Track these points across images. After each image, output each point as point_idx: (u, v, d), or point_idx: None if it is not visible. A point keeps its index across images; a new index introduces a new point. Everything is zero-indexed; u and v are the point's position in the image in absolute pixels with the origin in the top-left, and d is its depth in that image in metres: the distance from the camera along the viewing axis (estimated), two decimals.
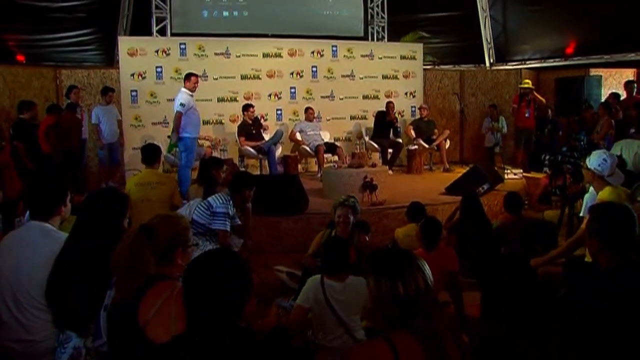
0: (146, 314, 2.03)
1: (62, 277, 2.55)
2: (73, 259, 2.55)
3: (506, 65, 12.51)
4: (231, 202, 4.35)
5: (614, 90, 9.89)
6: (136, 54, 9.00)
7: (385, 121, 9.79)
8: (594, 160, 3.62)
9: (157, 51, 9.12)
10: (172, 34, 9.91)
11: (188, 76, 7.21)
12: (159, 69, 9.11)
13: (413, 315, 1.67)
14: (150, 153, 5.28)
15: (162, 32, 9.96)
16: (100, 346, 2.27)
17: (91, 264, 2.47)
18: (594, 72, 10.70)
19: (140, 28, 10.31)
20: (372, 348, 1.71)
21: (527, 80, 10.14)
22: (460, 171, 8.81)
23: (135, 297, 2.05)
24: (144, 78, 9.02)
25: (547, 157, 8.11)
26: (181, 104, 6.93)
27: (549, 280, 3.42)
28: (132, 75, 8.96)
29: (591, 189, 3.85)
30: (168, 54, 9.17)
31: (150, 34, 9.90)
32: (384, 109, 9.92)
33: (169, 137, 8.20)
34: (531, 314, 1.90)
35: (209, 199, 4.36)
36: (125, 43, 9.13)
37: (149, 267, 2.12)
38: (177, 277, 2.27)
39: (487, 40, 12.64)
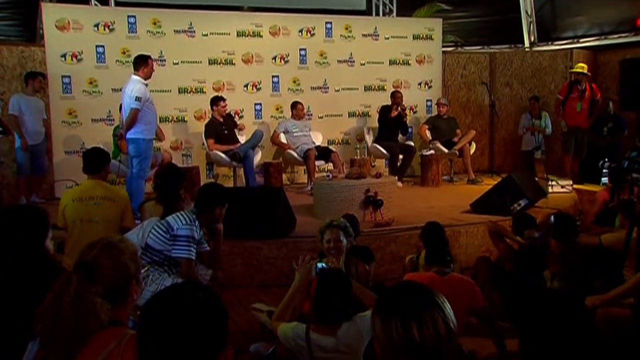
0: None
1: None
2: None
3: (552, 44, 12.60)
4: (197, 222, 4.32)
5: None
6: (68, 28, 8.98)
7: (391, 117, 9.85)
8: None
9: (96, 25, 9.11)
10: (117, 4, 9.95)
11: (141, 59, 7.20)
12: (100, 49, 9.11)
13: None
14: (93, 159, 5.25)
15: (103, 0, 9.94)
16: None
17: (5, 306, 2.41)
18: None
19: None
20: None
21: (581, 64, 10.18)
22: (489, 183, 8.86)
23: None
24: (79, 60, 9.03)
25: (607, 164, 8.15)
26: (137, 98, 6.94)
27: (612, 326, 3.42)
28: (64, 56, 8.95)
29: None
30: (112, 30, 9.18)
31: (87, 1, 9.86)
32: (389, 103, 9.99)
33: (114, 137, 8.19)
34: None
35: (168, 218, 4.32)
36: (51, 13, 9.06)
37: (101, 319, 2.08)
38: (127, 322, 2.24)
39: (527, 12, 12.70)
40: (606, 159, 8.46)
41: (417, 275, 4.24)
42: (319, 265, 3.71)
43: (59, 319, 2.04)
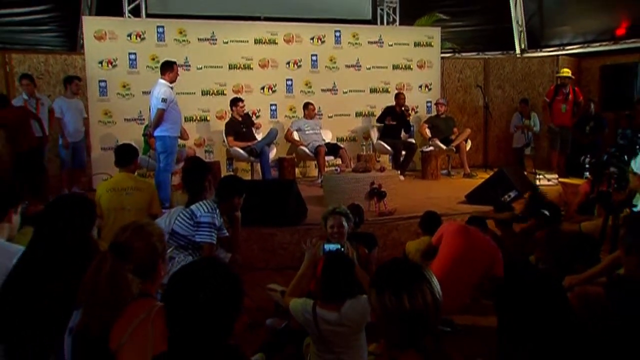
0: (119, 338, 2.07)
1: (14, 299, 2.49)
2: (29, 276, 2.52)
3: (540, 51, 12.57)
4: (218, 210, 4.37)
5: None
6: (105, 38, 9.07)
7: (393, 116, 9.85)
8: None
9: (129, 35, 9.19)
10: (148, 15, 9.97)
11: (167, 65, 7.24)
12: (132, 56, 9.19)
13: (420, 334, 1.72)
14: (125, 154, 5.32)
15: (135, 12, 10.00)
16: None
17: (53, 282, 2.47)
18: None
19: (109, 6, 10.27)
20: None
21: (566, 69, 10.18)
22: (483, 177, 8.84)
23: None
24: (114, 66, 9.10)
25: (589, 160, 8.14)
26: (163, 100, 6.97)
27: (586, 302, 3.46)
28: (100, 62, 9.03)
29: None
30: (143, 39, 9.24)
31: (121, 14, 9.92)
32: (393, 104, 10.03)
33: (144, 135, 8.29)
34: (557, 345, 1.94)
35: (192, 207, 4.38)
36: (91, 24, 9.18)
37: (132, 291, 2.17)
38: (155, 295, 2.33)
39: (517, 22, 12.70)
40: (588, 155, 8.45)
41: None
42: (326, 246, 3.70)
43: (98, 292, 2.13)
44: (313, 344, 3.19)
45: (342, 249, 3.62)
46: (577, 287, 3.56)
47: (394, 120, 9.84)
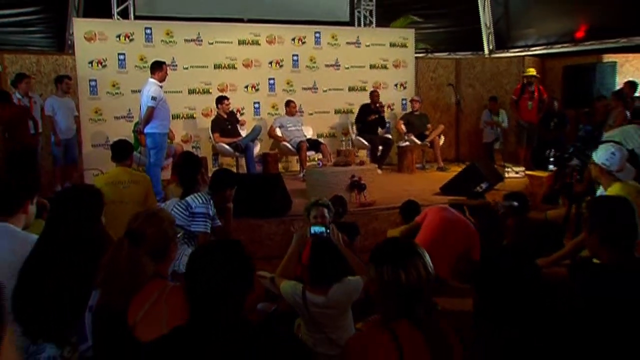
0: (135, 314, 2.19)
1: (34, 281, 2.55)
2: (48, 260, 2.59)
3: (507, 52, 12.76)
4: (212, 202, 4.47)
5: (630, 79, 9.93)
6: (95, 39, 9.03)
7: (370, 113, 9.94)
8: (601, 155, 3.82)
9: (118, 36, 9.17)
10: (136, 17, 9.94)
11: (157, 65, 7.30)
12: (121, 57, 9.17)
13: (414, 304, 1.87)
14: (121, 150, 5.36)
15: (124, 14, 9.98)
16: (85, 351, 2.41)
17: (72, 263, 2.57)
18: (607, 58, 10.81)
19: (96, 8, 10.27)
20: (373, 337, 1.90)
21: (531, 69, 10.37)
22: (456, 170, 8.97)
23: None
24: (104, 66, 9.07)
25: (553, 153, 8.34)
26: (153, 98, 7.03)
27: (552, 283, 3.63)
28: (91, 63, 8.99)
29: (601, 187, 4.04)
30: (132, 40, 9.23)
31: (109, 15, 9.89)
32: (369, 102, 10.13)
33: (134, 132, 8.32)
34: (530, 310, 2.03)
35: (187, 198, 4.46)
36: (81, 26, 9.14)
37: (147, 273, 2.28)
38: (168, 276, 2.45)
39: (486, 24, 12.90)
40: (552, 149, 8.67)
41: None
42: (313, 229, 3.74)
43: (116, 273, 2.25)
44: (304, 324, 3.30)
45: (328, 231, 3.68)
46: (545, 269, 3.73)
47: (375, 116, 9.95)
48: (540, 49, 12.23)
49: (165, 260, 2.42)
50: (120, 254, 2.27)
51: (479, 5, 12.81)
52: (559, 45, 11.85)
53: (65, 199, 2.83)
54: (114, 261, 2.26)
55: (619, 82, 10.13)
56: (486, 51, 13.02)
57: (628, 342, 2.18)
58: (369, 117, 9.90)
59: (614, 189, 3.69)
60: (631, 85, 9.51)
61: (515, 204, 5.52)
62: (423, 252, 1.94)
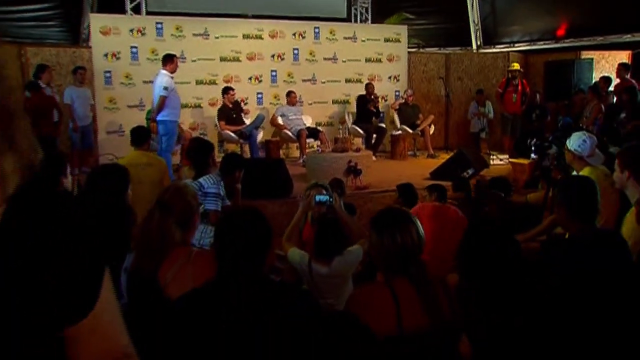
0: (165, 276, 2.39)
1: None
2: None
3: (494, 48, 12.88)
4: (222, 183, 4.62)
5: (605, 74, 10.13)
6: (109, 33, 9.12)
7: (366, 103, 10.04)
8: (574, 142, 4.02)
9: (132, 30, 9.25)
10: (148, 13, 10.07)
11: (169, 58, 7.44)
12: (134, 50, 9.28)
13: (408, 264, 2.08)
14: (139, 135, 5.53)
15: (136, 10, 10.10)
16: (121, 307, 2.60)
17: (100, 231, 2.75)
18: (585, 55, 10.99)
19: (109, 4, 10.38)
20: (373, 291, 2.12)
21: (516, 64, 10.48)
22: (444, 157, 9.06)
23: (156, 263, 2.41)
24: (118, 58, 9.18)
25: (534, 142, 8.51)
26: (165, 88, 7.17)
27: (527, 256, 3.82)
28: (106, 55, 9.10)
29: (574, 171, 4.24)
30: (144, 34, 9.32)
31: (121, 10, 10.01)
32: (364, 93, 10.22)
33: (147, 119, 8.46)
34: (506, 274, 2.18)
35: (200, 179, 4.59)
36: (97, 21, 9.25)
37: (175, 239, 2.47)
38: (191, 243, 2.64)
39: (474, 22, 12.99)
40: (534, 139, 8.84)
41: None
42: (317, 197, 3.82)
43: (148, 239, 2.44)
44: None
45: (331, 200, 3.78)
46: (522, 244, 3.93)
47: (368, 110, 10.04)
48: (524, 45, 12.37)
49: (190, 228, 2.61)
50: (152, 223, 2.46)
51: (468, 3, 12.91)
52: (542, 42, 12.01)
53: (98, 173, 3.03)
54: (146, 228, 2.46)
55: (596, 77, 10.31)
56: (474, 47, 13.12)
57: (603, 311, 2.30)
58: (368, 106, 10.01)
59: (585, 173, 3.87)
60: (605, 80, 9.68)
61: (502, 194, 5.67)
62: (415, 219, 2.15)
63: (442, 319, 2.03)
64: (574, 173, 4.27)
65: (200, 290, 1.88)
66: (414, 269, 2.08)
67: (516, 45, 12.50)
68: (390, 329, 1.99)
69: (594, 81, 10.05)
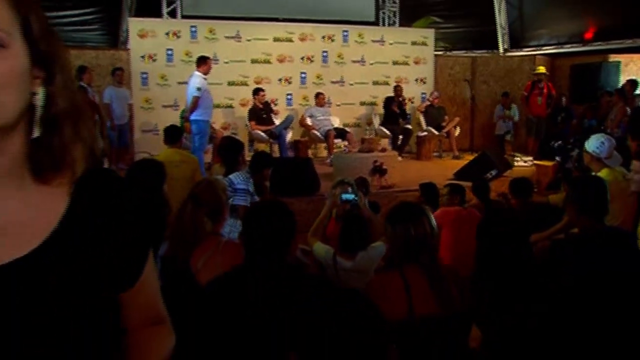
0: (196, 264, 2.54)
1: None
2: None
3: (520, 51, 12.75)
4: (251, 180, 4.76)
5: (632, 77, 9.99)
6: (146, 36, 9.34)
7: (394, 110, 10.07)
8: (592, 143, 4.07)
9: (167, 33, 9.45)
10: (183, 16, 10.22)
11: (202, 60, 7.60)
12: (169, 52, 9.47)
13: (420, 253, 2.19)
14: (172, 133, 5.73)
15: (172, 14, 10.31)
16: None
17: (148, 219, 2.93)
18: (613, 58, 10.87)
19: (147, 8, 10.59)
20: (387, 277, 2.24)
21: (542, 67, 10.43)
22: (469, 159, 9.05)
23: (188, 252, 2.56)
24: (154, 60, 9.38)
25: (556, 144, 8.48)
26: (198, 89, 7.33)
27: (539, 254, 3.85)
28: (143, 57, 9.31)
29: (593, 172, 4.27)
30: (179, 37, 9.51)
31: (157, 14, 10.19)
32: (392, 94, 10.27)
33: (181, 118, 8.66)
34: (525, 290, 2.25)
35: (230, 176, 4.74)
36: (135, 24, 9.49)
37: (207, 230, 2.62)
38: (220, 234, 2.79)
39: (501, 25, 12.87)
40: (559, 141, 8.81)
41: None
42: (344, 196, 3.89)
43: (182, 229, 2.59)
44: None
45: (357, 198, 3.87)
46: (540, 242, 3.97)
47: (397, 108, 10.10)
48: (550, 49, 12.19)
49: (220, 220, 2.75)
50: (185, 213, 2.61)
51: (495, 7, 12.81)
52: (569, 45, 11.82)
53: (138, 167, 3.20)
54: (180, 219, 2.61)
55: (622, 81, 10.19)
56: (501, 50, 13.00)
57: (615, 312, 2.33)
58: (392, 106, 10.05)
59: (603, 174, 3.92)
60: (632, 83, 9.55)
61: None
62: (428, 212, 2.26)
63: (452, 307, 2.14)
64: (593, 174, 4.31)
65: (228, 275, 2.01)
66: (425, 257, 2.19)
67: (543, 48, 12.33)
68: (401, 314, 2.10)
69: (620, 84, 9.94)
